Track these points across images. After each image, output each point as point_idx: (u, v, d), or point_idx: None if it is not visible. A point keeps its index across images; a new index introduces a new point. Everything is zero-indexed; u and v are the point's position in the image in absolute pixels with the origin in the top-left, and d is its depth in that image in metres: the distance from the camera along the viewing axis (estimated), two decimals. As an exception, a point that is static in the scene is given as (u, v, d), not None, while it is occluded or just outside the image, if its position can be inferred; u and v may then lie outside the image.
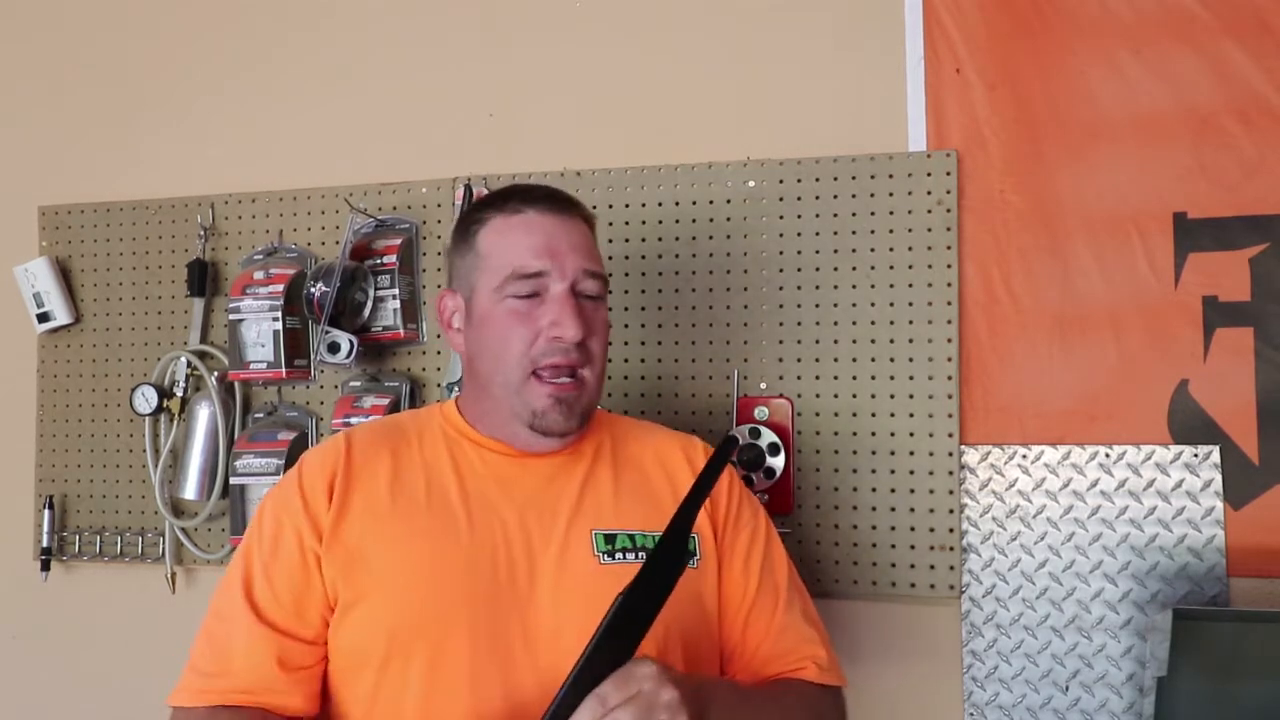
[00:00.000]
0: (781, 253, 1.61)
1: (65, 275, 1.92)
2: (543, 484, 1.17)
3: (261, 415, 1.80)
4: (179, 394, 1.81)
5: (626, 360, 1.65)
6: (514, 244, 1.15)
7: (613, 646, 0.94)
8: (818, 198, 1.60)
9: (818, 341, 1.59)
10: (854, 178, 1.58)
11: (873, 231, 1.57)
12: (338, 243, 1.73)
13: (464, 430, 1.21)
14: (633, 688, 0.92)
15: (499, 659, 1.07)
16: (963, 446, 1.54)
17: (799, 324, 1.59)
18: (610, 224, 1.67)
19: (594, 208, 1.67)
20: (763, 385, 1.60)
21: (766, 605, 1.20)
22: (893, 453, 1.55)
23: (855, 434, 1.56)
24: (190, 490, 1.78)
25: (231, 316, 1.73)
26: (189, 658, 1.13)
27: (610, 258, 1.67)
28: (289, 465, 1.69)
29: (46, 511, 1.88)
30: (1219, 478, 1.46)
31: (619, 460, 1.22)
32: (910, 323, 1.55)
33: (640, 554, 1.13)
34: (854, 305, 1.57)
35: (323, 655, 1.13)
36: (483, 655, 1.07)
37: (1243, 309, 1.46)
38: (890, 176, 1.57)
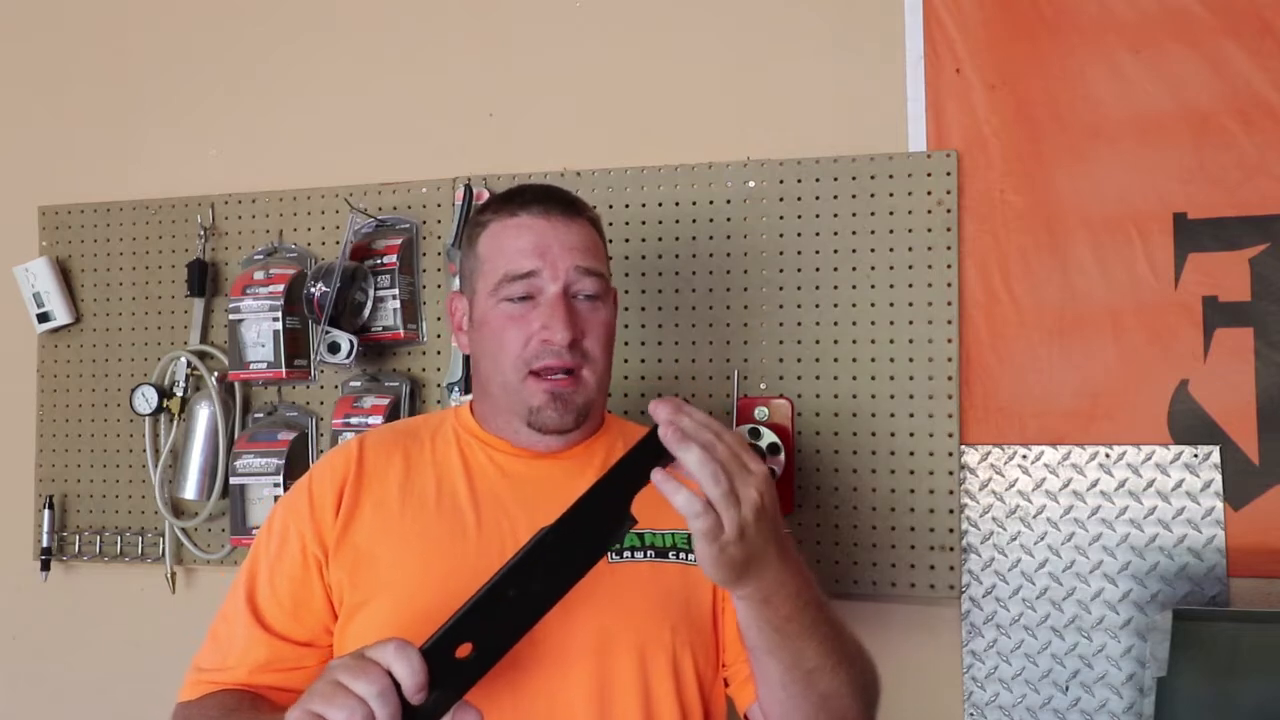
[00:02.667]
0: (781, 253, 1.61)
1: (65, 275, 1.92)
2: (553, 484, 1.17)
3: (261, 415, 1.80)
4: (179, 394, 1.81)
5: (626, 360, 1.65)
6: (507, 246, 1.16)
7: (529, 579, 0.90)
8: (818, 198, 1.60)
9: (818, 341, 1.59)
10: (854, 178, 1.58)
11: (873, 231, 1.57)
12: (338, 243, 1.73)
13: (474, 431, 1.21)
14: (752, 465, 0.90)
15: (505, 657, 1.07)
16: (963, 446, 1.54)
17: (799, 324, 1.59)
18: (610, 224, 1.67)
19: (594, 208, 1.68)
20: (763, 385, 1.60)
21: None
22: (893, 453, 1.55)
23: (855, 434, 1.56)
24: (190, 490, 1.78)
25: (231, 316, 1.73)
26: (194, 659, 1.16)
27: (610, 258, 1.66)
28: (289, 465, 1.70)
29: (46, 511, 1.88)
30: (1219, 478, 1.45)
31: None
32: (910, 323, 1.55)
33: (649, 553, 1.13)
34: (854, 305, 1.57)
35: (320, 659, 1.14)
36: None
37: (1243, 309, 1.46)
38: (890, 176, 1.57)
